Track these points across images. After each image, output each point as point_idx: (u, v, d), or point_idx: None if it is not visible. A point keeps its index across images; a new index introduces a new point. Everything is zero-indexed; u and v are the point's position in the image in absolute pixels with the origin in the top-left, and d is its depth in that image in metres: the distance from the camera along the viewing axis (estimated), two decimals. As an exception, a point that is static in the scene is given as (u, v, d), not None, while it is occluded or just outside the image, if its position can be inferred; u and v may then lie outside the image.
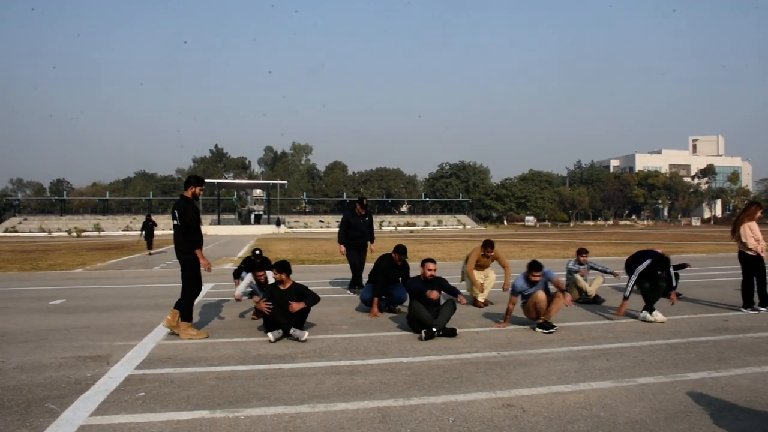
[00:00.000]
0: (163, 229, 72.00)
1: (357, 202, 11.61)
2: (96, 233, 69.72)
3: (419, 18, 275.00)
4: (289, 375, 5.43)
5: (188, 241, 7.18)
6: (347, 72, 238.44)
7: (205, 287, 12.40)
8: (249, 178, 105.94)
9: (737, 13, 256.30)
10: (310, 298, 7.28)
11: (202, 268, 7.31)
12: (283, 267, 7.39)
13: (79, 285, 13.52)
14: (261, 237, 50.75)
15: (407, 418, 4.22)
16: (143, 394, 4.82)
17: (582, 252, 10.35)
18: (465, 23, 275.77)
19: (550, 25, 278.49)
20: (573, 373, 5.44)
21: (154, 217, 27.95)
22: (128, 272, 17.17)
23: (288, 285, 7.34)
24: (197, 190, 7.39)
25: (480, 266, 9.93)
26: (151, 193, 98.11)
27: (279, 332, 6.87)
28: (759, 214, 9.18)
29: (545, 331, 7.33)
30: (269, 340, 6.80)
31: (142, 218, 26.83)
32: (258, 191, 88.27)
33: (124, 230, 72.19)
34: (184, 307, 7.25)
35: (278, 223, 73.72)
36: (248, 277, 8.90)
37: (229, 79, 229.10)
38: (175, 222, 7.24)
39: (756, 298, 8.94)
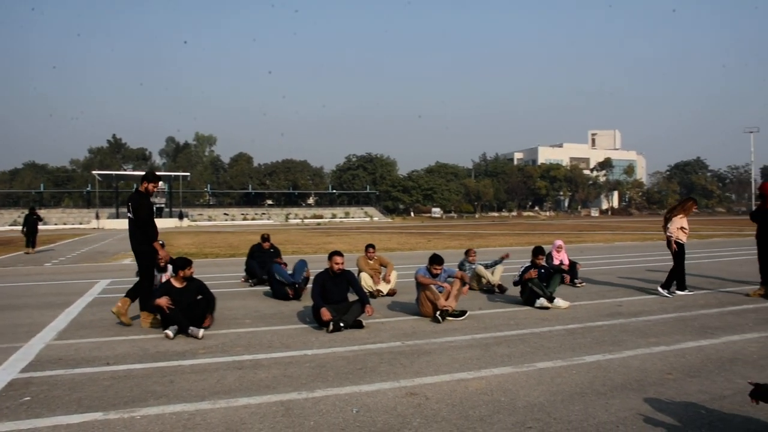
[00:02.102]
0: (56, 224, 68.86)
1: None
2: (-19, 228, 65.30)
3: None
4: (189, 371, 5.26)
5: (144, 235, 7.47)
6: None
7: (102, 283, 11.90)
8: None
9: (612, 13, 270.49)
10: (207, 296, 7.16)
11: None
12: (184, 264, 7.17)
13: (-40, 284, 12.60)
14: (163, 231, 49.16)
15: (311, 410, 4.18)
16: (28, 398, 4.52)
17: (469, 253, 10.80)
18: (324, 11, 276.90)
19: (457, 21, 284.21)
20: (475, 360, 5.56)
21: (42, 212, 26.21)
22: (17, 269, 16.18)
23: (186, 282, 7.13)
24: (151, 186, 7.64)
25: (372, 269, 10.09)
26: (42, 185, 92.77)
27: (175, 328, 6.67)
28: (694, 209, 9.91)
29: (458, 318, 7.47)
30: (167, 337, 6.57)
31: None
32: (159, 183, 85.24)
33: (11, 225, 67.87)
34: (139, 296, 7.54)
35: (181, 217, 71.64)
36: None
37: (229, 79, 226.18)
38: (130, 215, 7.55)
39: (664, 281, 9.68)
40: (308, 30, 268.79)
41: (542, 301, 8.27)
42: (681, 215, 9.71)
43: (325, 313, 6.91)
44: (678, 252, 9.54)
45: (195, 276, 7.35)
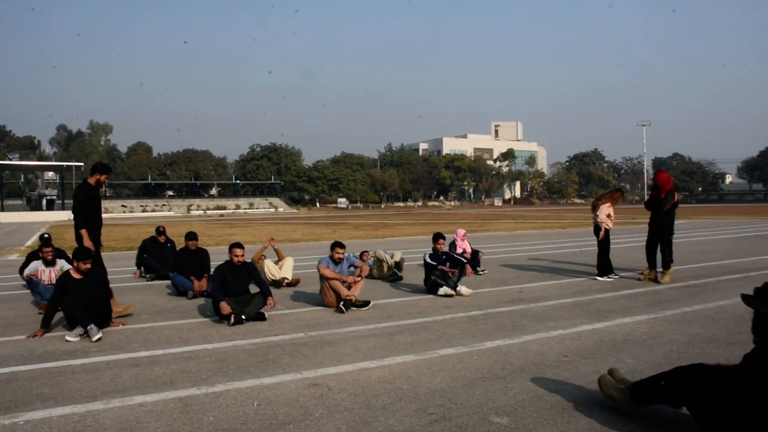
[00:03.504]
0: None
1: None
2: None
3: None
4: (80, 371, 5.00)
5: (75, 223, 7.41)
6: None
7: (-16, 281, 11.13)
8: (39, 160, 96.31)
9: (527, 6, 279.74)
10: (106, 287, 6.82)
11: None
12: (85, 254, 6.73)
13: None
14: (54, 224, 46.56)
15: (210, 405, 4.07)
16: None
17: (364, 252, 10.96)
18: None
19: (367, 16, 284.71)
20: (378, 349, 5.59)
21: None
22: None
23: (84, 275, 6.70)
24: (102, 177, 7.62)
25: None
26: None
27: (80, 330, 6.18)
28: (620, 199, 10.51)
29: (363, 308, 7.49)
30: (69, 341, 6.07)
31: None
32: (50, 174, 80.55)
33: None
34: None
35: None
36: (32, 267, 8.25)
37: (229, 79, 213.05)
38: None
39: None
40: (308, 30, 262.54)
41: (446, 290, 8.41)
42: (608, 203, 10.19)
43: (225, 307, 6.76)
44: (604, 239, 10.01)
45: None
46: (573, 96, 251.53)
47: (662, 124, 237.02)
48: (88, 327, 6.15)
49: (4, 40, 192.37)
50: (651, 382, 3.68)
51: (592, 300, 8.10)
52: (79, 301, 6.32)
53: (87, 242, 7.28)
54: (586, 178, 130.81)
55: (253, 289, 7.35)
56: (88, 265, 6.71)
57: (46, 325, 6.44)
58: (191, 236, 9.73)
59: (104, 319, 6.58)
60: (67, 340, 6.09)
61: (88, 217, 7.51)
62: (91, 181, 7.60)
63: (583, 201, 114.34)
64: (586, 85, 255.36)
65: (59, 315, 6.77)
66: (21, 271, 9.10)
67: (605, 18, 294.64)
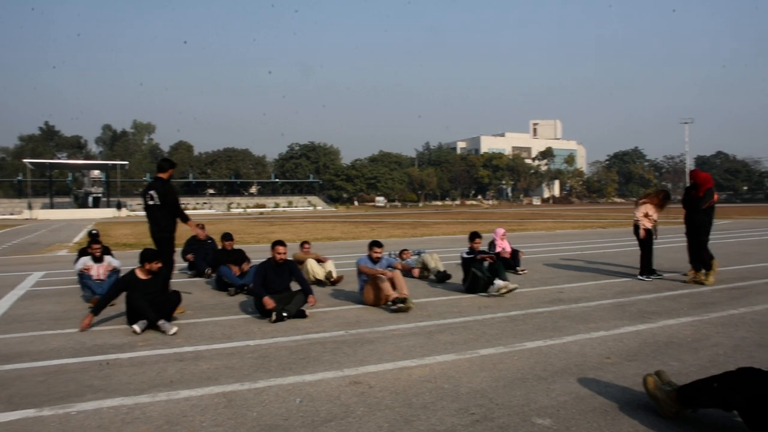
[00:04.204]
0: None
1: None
2: None
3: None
4: (127, 365, 5.13)
5: (171, 219, 7.77)
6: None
7: (35, 276, 11.50)
8: (85, 159, 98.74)
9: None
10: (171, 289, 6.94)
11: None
12: (153, 255, 6.89)
13: None
14: (100, 221, 47.74)
15: (253, 401, 4.14)
16: (-44, 395, 4.34)
17: (404, 250, 11.10)
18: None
19: (405, 12, 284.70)
20: (419, 347, 5.60)
21: None
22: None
23: (152, 274, 6.85)
24: (173, 172, 8.05)
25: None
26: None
27: (144, 323, 6.32)
28: (661, 201, 10.11)
29: (404, 305, 7.31)
30: (134, 332, 6.23)
31: None
32: (96, 172, 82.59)
33: (-62, 216, 64.85)
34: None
35: (119, 206, 69.76)
36: (82, 262, 8.47)
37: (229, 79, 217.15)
38: (152, 202, 7.72)
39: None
40: (308, 30, 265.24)
41: (502, 284, 8.27)
42: (648, 202, 10.03)
43: (268, 302, 6.85)
44: (644, 238, 9.88)
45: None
46: (613, 93, 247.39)
47: (705, 122, 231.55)
48: (159, 322, 6.30)
49: (4, 40, 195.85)
50: (700, 385, 3.62)
51: (634, 301, 7.97)
52: (147, 298, 6.46)
53: (201, 232, 7.95)
54: (627, 177, 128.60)
55: (294, 287, 7.44)
56: (160, 264, 6.88)
57: (96, 312, 6.63)
58: (227, 237, 10.06)
59: (169, 316, 6.69)
60: (133, 331, 6.26)
61: (182, 210, 7.98)
62: (165, 176, 7.92)
63: (623, 200, 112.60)
64: (627, 82, 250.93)
65: (111, 311, 6.97)
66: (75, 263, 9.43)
67: (648, 14, 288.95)
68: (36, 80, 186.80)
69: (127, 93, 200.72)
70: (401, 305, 7.21)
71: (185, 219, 7.94)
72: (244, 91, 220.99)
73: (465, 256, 8.82)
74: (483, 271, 8.41)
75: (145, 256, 6.88)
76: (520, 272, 10.77)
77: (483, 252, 8.84)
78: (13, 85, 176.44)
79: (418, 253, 10.92)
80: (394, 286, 7.47)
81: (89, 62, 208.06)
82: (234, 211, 78.95)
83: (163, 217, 7.77)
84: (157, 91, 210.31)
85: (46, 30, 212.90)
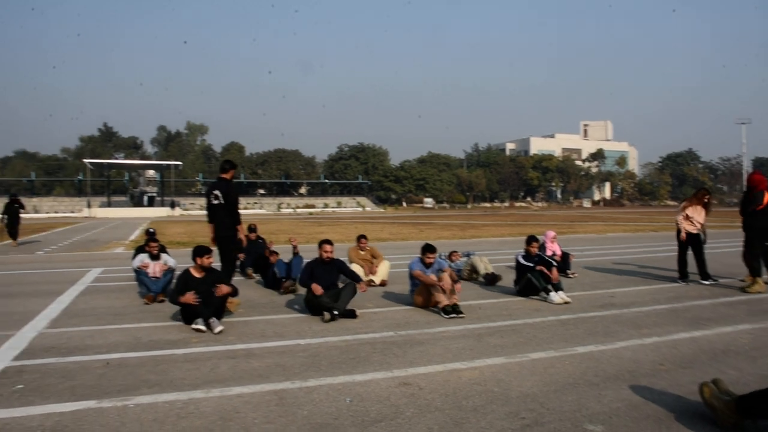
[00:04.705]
0: (47, 213, 68.44)
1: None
2: (-30, 216, 64.72)
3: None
4: (182, 360, 5.26)
5: (232, 219, 8.00)
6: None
7: (94, 272, 11.87)
8: (141, 159, 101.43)
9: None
10: (229, 285, 7.00)
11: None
12: (204, 251, 7.03)
13: (-50, 272, 12.53)
14: (155, 220, 48.95)
15: (304, 399, 4.19)
16: (21, 386, 4.52)
17: (453, 252, 11.06)
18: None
19: (458, 17, 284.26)
20: (468, 350, 5.58)
21: (34, 200, 25.15)
22: (7, 258, 16.08)
23: (205, 272, 7.00)
24: (234, 172, 8.34)
25: (364, 260, 10.08)
26: (33, 173, 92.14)
27: (201, 320, 6.42)
28: (704, 199, 9.96)
29: (458, 315, 7.15)
30: (200, 330, 6.33)
31: (23, 201, 22.21)
32: (151, 172, 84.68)
33: (3, 213, 67.35)
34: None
35: (173, 206, 71.41)
36: (139, 259, 8.72)
37: (229, 79, 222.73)
38: (216, 202, 8.00)
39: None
40: (308, 30, 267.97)
41: (558, 295, 8.09)
42: (689, 204, 9.83)
43: (317, 288, 7.00)
44: (683, 242, 9.71)
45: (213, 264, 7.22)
46: (666, 93, 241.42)
47: (764, 122, 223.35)
48: (210, 320, 6.42)
49: (4, 40, 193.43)
50: (760, 394, 3.51)
51: (689, 307, 7.77)
52: (201, 296, 6.58)
53: (242, 235, 8.16)
54: (680, 180, 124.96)
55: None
56: (211, 260, 7.03)
57: (172, 300, 6.78)
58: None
59: (221, 313, 6.79)
60: (193, 328, 6.39)
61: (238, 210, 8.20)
62: (227, 176, 8.17)
63: (676, 203, 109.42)
64: (680, 82, 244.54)
65: (165, 308, 7.15)
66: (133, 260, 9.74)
67: (698, 14, 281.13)
68: (36, 80, 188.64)
69: (127, 93, 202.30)
70: (454, 315, 7.14)
71: (236, 222, 8.07)
72: (245, 91, 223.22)
73: (521, 260, 8.69)
74: (539, 280, 8.28)
75: (197, 252, 7.03)
76: (571, 275, 10.61)
77: (540, 259, 8.69)
78: (13, 85, 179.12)
79: (468, 255, 10.87)
80: (444, 292, 7.44)
81: (89, 62, 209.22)
82: (284, 211, 79.90)
83: (226, 216, 8.01)
84: (157, 91, 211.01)
85: (46, 30, 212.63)
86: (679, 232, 9.84)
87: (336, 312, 6.91)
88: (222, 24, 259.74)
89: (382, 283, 9.75)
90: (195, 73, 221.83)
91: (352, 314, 7.07)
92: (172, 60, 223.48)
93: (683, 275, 9.83)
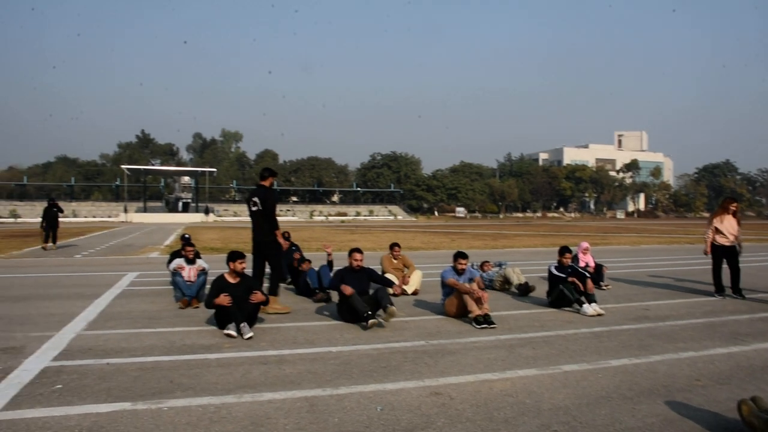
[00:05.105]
0: (85, 217, 69.93)
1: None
2: (12, 220, 66.46)
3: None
4: (215, 365, 5.32)
5: (270, 225, 8.10)
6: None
7: (130, 276, 12.07)
8: (177, 165, 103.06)
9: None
10: (261, 292, 7.08)
11: None
12: (238, 256, 7.11)
13: (-8, 273, 12.87)
14: (189, 225, 49.66)
15: (335, 407, 4.21)
16: (60, 386, 4.62)
17: (485, 262, 11.09)
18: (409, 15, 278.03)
19: (488, 24, 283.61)
20: (500, 361, 5.54)
21: (73, 205, 25.60)
22: (47, 260, 16.46)
23: (239, 277, 7.08)
24: (273, 180, 8.47)
25: (396, 268, 10.08)
26: (73, 178, 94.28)
27: (234, 325, 6.47)
28: (732, 206, 9.81)
29: (490, 326, 7.09)
30: (230, 336, 6.38)
31: (63, 205, 22.32)
32: (186, 179, 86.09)
33: (42, 217, 68.90)
34: (272, 283, 8.17)
35: (207, 212, 72.31)
36: (176, 262, 8.86)
37: (229, 79, 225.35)
38: (255, 208, 8.18)
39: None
40: (308, 30, 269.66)
41: (591, 307, 7.98)
42: (717, 216, 9.66)
43: (346, 288, 7.08)
44: (714, 254, 9.55)
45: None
46: (703, 103, 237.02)
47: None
48: (242, 325, 6.48)
49: (4, 40, 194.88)
50: None
51: (726, 321, 7.60)
52: (234, 301, 6.63)
53: (284, 243, 8.33)
54: (717, 191, 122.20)
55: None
56: (244, 265, 7.10)
57: (207, 304, 6.86)
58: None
59: (254, 319, 6.84)
60: (225, 334, 6.43)
61: (276, 218, 8.31)
62: (266, 183, 8.35)
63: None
64: (717, 91, 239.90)
65: (199, 312, 7.24)
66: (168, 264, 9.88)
67: (736, 22, 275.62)
68: (36, 80, 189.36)
69: (126, 93, 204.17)
70: (485, 326, 7.09)
71: (274, 228, 8.15)
72: (246, 91, 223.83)
73: (554, 272, 8.60)
74: (572, 292, 8.18)
75: (231, 257, 7.12)
76: (604, 287, 10.47)
77: (573, 270, 8.59)
78: (13, 85, 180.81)
79: (500, 265, 10.80)
80: (476, 301, 7.39)
81: (89, 62, 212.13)
82: (316, 218, 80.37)
83: (265, 222, 8.13)
84: (157, 91, 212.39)
85: (46, 30, 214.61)
86: (712, 244, 9.67)
87: (380, 317, 6.87)
88: (222, 24, 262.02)
89: (415, 293, 9.74)
90: (195, 73, 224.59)
91: (379, 324, 7.02)
92: (172, 60, 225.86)
93: (719, 289, 9.63)
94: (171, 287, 9.07)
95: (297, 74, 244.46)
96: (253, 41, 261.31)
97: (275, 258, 8.24)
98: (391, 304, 7.05)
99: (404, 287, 9.60)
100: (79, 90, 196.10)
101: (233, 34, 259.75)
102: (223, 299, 6.58)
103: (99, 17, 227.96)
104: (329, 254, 9.96)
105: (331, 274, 8.74)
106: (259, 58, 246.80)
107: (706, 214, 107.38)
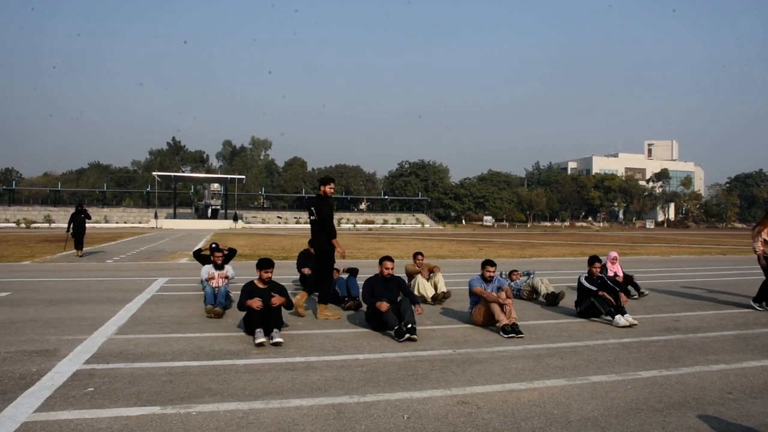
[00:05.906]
0: (116, 222, 71.07)
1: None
2: (47, 225, 67.72)
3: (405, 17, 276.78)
4: (243, 371, 5.36)
5: (325, 233, 8.24)
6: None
7: (160, 281, 12.21)
8: (207, 172, 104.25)
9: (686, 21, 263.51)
10: (287, 298, 7.13)
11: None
12: (269, 264, 7.22)
13: (26, 278, 13.14)
14: (218, 232, 50.15)
15: (362, 414, 4.21)
16: (92, 389, 4.70)
17: (513, 271, 11.03)
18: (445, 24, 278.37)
19: (516, 33, 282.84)
20: (527, 371, 5.49)
21: (104, 210, 25.60)
22: (79, 265, 16.75)
23: (267, 284, 7.15)
24: (328, 188, 8.40)
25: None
26: (105, 184, 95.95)
27: (261, 331, 6.49)
28: None
29: (517, 335, 7.03)
30: (259, 342, 6.35)
31: (95, 211, 22.25)
32: (215, 185, 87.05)
33: (69, 222, 70.15)
34: (323, 291, 8.30)
35: (235, 218, 72.91)
36: (206, 269, 8.94)
37: (229, 79, 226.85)
38: (313, 217, 8.36)
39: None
40: (308, 30, 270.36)
41: (618, 319, 7.86)
42: (763, 227, 9.47)
43: (382, 305, 7.00)
44: (764, 265, 9.33)
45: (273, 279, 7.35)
46: (735, 112, 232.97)
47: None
48: (273, 332, 6.53)
49: (4, 40, 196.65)
50: None
51: (759, 334, 7.44)
52: (263, 305, 6.70)
53: (340, 249, 8.35)
54: (749, 201, 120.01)
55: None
56: (269, 274, 7.16)
57: (240, 306, 6.88)
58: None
59: (280, 324, 6.86)
60: (255, 342, 6.39)
61: (333, 226, 8.41)
62: (321, 192, 8.40)
63: (744, 225, 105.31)
64: (750, 99, 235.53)
65: (228, 318, 7.30)
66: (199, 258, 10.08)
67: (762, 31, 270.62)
68: (36, 80, 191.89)
69: (126, 93, 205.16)
70: (513, 335, 7.02)
71: (330, 236, 8.25)
72: (246, 92, 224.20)
73: (585, 283, 8.49)
74: (603, 305, 8.07)
75: (259, 265, 7.20)
76: (634, 297, 10.33)
77: (603, 282, 8.48)
78: (13, 85, 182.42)
79: (528, 274, 10.72)
80: (503, 310, 7.34)
81: (89, 62, 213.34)
82: (344, 226, 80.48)
83: (321, 231, 8.27)
84: (157, 91, 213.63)
85: (46, 30, 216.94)
86: (759, 257, 9.49)
87: (409, 326, 6.76)
88: (222, 24, 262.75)
89: (446, 295, 9.65)
90: (196, 73, 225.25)
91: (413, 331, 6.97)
92: (172, 60, 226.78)
93: (763, 298, 9.41)
94: (200, 293, 9.17)
95: (298, 74, 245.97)
96: (253, 41, 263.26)
97: (328, 266, 8.34)
98: (414, 322, 6.89)
99: (442, 291, 9.62)
100: (79, 90, 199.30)
101: (233, 34, 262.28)
102: (255, 302, 6.65)
103: (99, 17, 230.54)
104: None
105: (360, 284, 8.73)
106: (260, 58, 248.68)
107: (739, 225, 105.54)
